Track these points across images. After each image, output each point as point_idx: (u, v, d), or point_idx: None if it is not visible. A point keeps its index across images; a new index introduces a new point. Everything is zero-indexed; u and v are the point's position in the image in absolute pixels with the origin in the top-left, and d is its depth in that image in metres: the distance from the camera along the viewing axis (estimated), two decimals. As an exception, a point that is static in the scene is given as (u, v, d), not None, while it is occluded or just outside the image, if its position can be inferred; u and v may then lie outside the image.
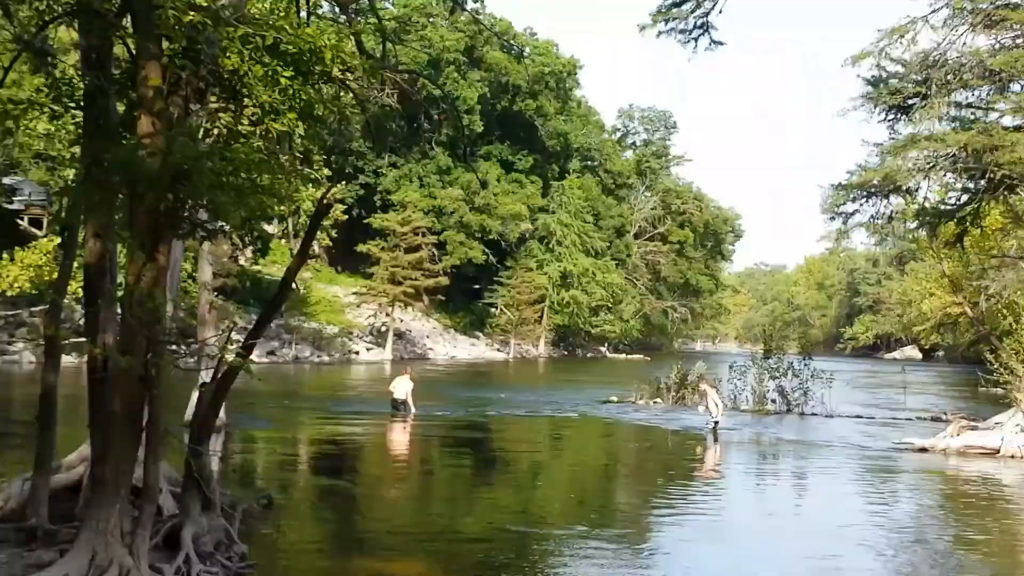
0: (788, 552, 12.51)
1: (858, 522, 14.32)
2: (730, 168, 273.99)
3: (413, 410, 26.80)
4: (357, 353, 60.84)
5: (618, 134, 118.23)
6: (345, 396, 34.79)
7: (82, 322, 11.52)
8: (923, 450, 23.15)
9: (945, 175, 26.53)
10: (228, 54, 9.39)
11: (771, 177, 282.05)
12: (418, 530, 12.76)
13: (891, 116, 26.39)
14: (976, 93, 25.63)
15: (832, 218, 28.37)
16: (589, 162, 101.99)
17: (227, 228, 9.90)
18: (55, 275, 14.60)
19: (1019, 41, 24.74)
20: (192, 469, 10.19)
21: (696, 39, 19.62)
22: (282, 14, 10.69)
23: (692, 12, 19.57)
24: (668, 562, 11.62)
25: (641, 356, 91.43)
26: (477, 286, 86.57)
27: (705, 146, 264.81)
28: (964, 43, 24.74)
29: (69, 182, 22.73)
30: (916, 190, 27.05)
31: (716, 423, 25.68)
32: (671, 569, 11.33)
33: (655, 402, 34.46)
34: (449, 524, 13.32)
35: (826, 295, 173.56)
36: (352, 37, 11.23)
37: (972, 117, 25.95)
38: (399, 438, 24.68)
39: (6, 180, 37.90)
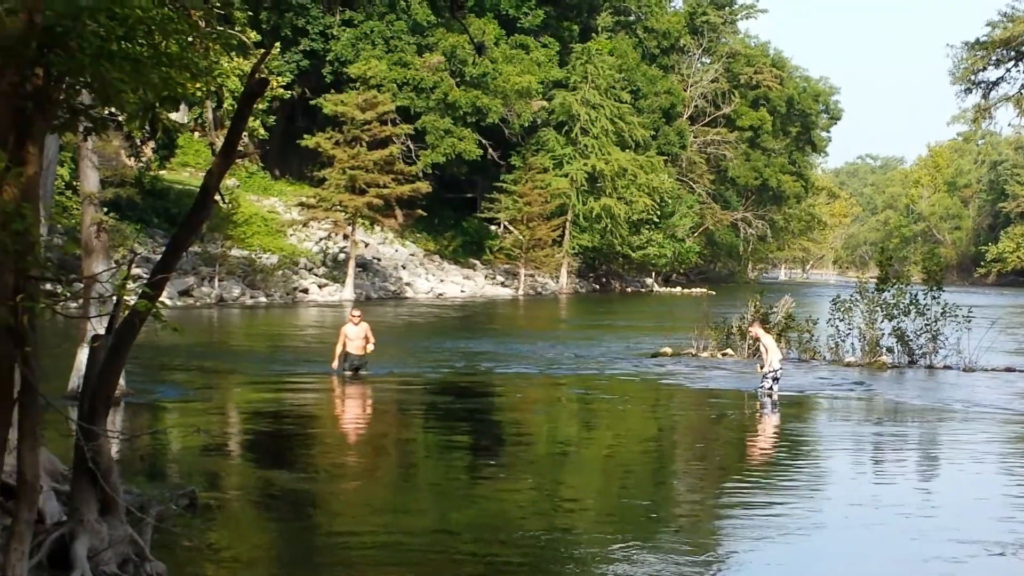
0: (911, 557, 12.56)
1: (1008, 515, 14.40)
2: (822, 25, 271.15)
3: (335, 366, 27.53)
4: (306, 291, 61.02)
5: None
6: (291, 351, 34.86)
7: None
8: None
9: None
10: None
11: (879, 37, 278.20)
12: (394, 539, 12.80)
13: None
14: None
15: (967, 90, 28.14)
16: (623, 17, 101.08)
17: (120, 117, 9.77)
18: None
19: None
20: (85, 458, 10.16)
21: None
22: None
23: None
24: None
25: (703, 290, 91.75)
26: (470, 195, 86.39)
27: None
28: None
29: None
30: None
31: (776, 379, 25.37)
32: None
33: (725, 354, 34.54)
34: (437, 531, 13.36)
35: (960, 200, 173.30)
36: None
37: None
38: (364, 411, 24.73)
39: None
